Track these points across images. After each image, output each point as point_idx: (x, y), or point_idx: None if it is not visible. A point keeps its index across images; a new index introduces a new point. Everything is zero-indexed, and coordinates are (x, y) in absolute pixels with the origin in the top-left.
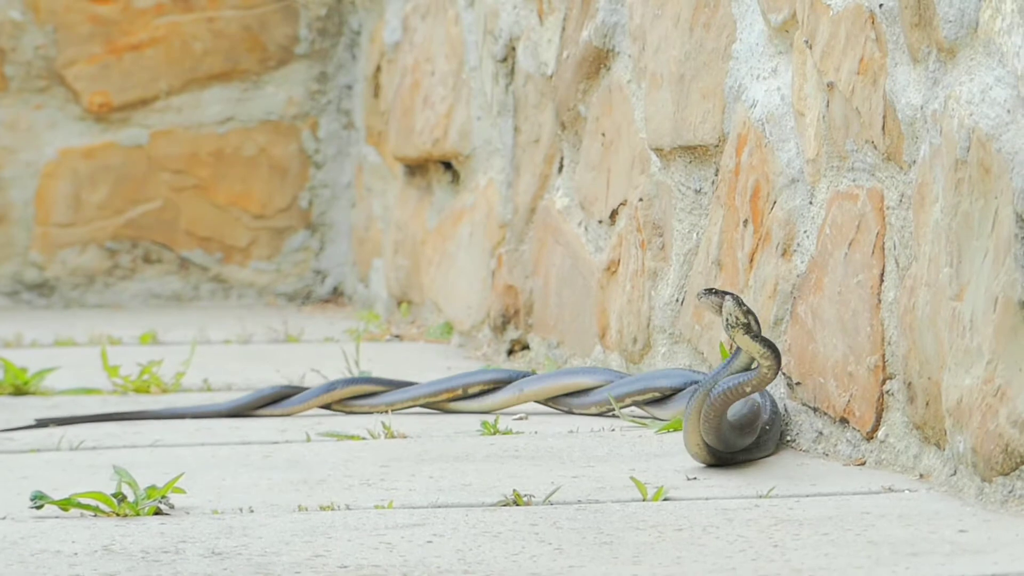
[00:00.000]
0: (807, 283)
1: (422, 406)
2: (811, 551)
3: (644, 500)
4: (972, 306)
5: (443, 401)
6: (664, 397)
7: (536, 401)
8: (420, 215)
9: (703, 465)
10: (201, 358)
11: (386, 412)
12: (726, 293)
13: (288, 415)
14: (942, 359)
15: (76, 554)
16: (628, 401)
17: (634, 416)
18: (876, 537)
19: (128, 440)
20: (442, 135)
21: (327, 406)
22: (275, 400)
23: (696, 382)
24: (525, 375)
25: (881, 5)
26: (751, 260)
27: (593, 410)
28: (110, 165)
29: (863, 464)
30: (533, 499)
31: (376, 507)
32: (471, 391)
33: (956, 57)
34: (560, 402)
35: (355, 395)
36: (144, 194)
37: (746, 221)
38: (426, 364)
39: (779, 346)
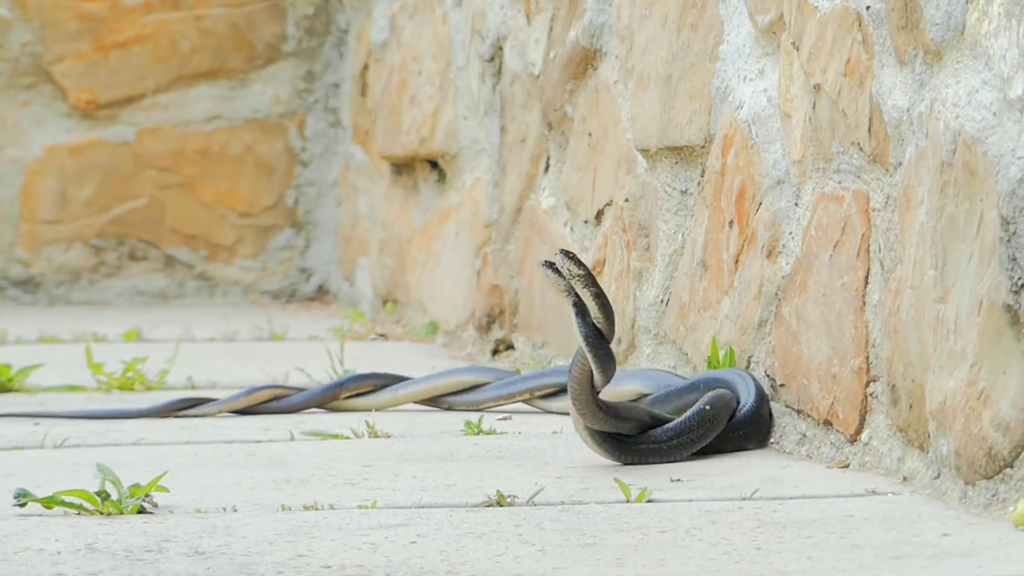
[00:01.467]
0: (792, 285)
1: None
2: (795, 554)
3: (628, 502)
4: (956, 309)
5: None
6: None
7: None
8: (406, 214)
9: (600, 458)
10: (186, 356)
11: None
12: (558, 254)
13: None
14: (926, 362)
15: (59, 552)
16: (519, 398)
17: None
18: (859, 540)
19: (112, 438)
20: (429, 134)
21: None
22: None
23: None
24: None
25: (868, 7)
26: (736, 261)
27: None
28: (97, 162)
29: (847, 467)
30: (517, 500)
31: (360, 507)
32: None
33: (942, 60)
34: (441, 401)
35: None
36: (130, 192)
37: (732, 222)
38: (411, 363)
39: (763, 347)
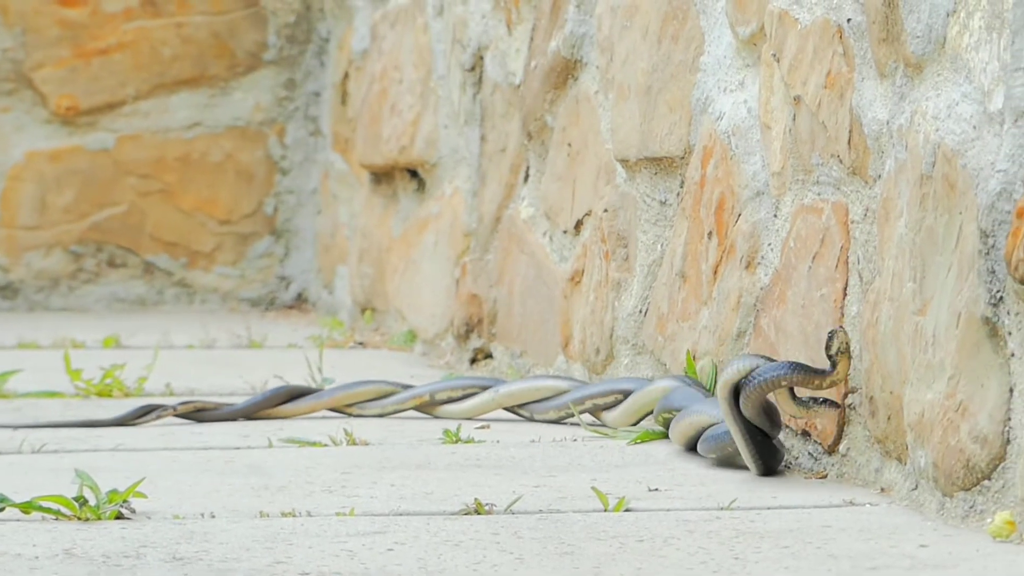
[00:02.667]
0: (770, 296)
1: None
2: (772, 564)
3: (605, 511)
4: (935, 321)
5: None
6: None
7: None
8: (385, 223)
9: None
10: (164, 363)
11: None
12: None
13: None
14: (904, 374)
15: (37, 557)
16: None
17: (594, 425)
18: (837, 551)
19: (90, 444)
20: (409, 143)
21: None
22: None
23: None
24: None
25: (849, 20)
26: (715, 272)
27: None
28: (76, 169)
29: (824, 477)
30: (495, 508)
31: (337, 514)
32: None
33: (923, 72)
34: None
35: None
36: (110, 198)
37: (710, 233)
38: (389, 372)
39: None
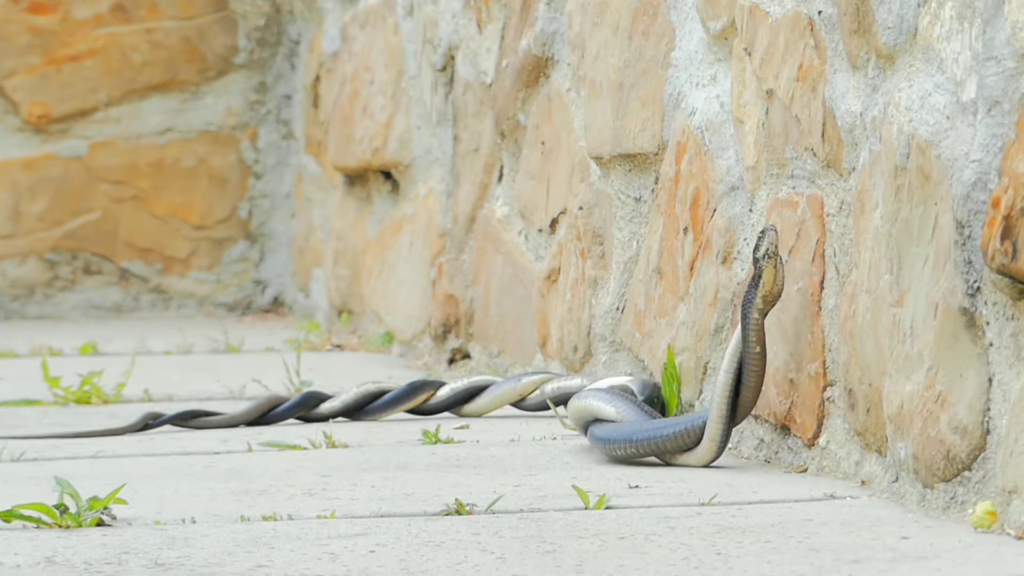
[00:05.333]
0: None
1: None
2: (754, 559)
3: (586, 508)
4: (912, 312)
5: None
6: None
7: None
8: (360, 225)
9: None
10: (142, 369)
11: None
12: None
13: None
14: (883, 366)
15: (19, 566)
16: None
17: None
18: (818, 544)
19: (70, 451)
20: (382, 144)
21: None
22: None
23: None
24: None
25: (820, 12)
26: (691, 268)
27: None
28: (49, 176)
29: (805, 471)
30: (475, 508)
31: (319, 517)
32: None
33: (895, 63)
34: None
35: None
36: (83, 205)
37: (686, 229)
38: (367, 374)
39: (719, 354)
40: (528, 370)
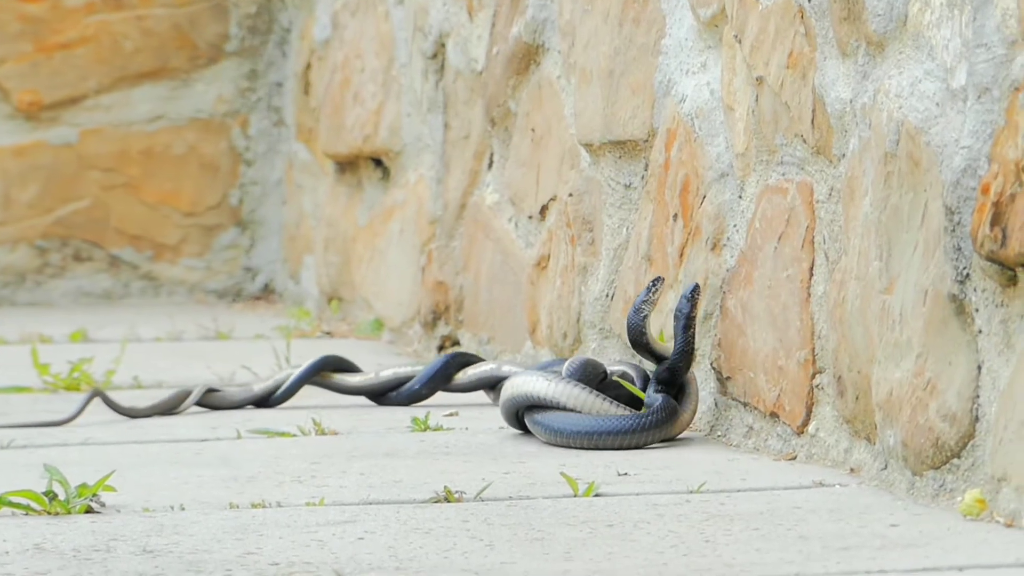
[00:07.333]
0: (737, 277)
1: None
2: (742, 546)
3: (575, 496)
4: (902, 299)
5: None
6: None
7: None
8: (351, 212)
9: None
10: (132, 356)
11: None
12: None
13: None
14: (872, 353)
15: (7, 552)
16: None
17: None
18: (807, 532)
19: (59, 438)
20: (372, 132)
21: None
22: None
23: None
24: None
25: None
26: (681, 255)
27: None
28: (40, 164)
29: (794, 459)
30: (464, 496)
31: (307, 504)
32: None
33: (885, 51)
34: None
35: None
36: (74, 192)
37: (676, 216)
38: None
39: (709, 340)
40: (517, 357)
